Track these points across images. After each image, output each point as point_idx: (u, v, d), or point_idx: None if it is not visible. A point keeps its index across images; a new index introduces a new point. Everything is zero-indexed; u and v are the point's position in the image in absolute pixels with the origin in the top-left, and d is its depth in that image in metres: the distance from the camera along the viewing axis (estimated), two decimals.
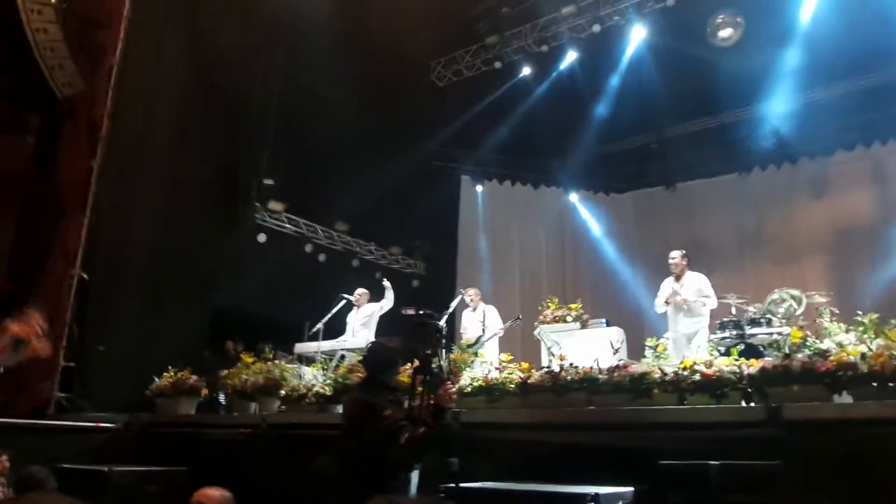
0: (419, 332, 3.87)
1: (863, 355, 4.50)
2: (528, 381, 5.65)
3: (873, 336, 4.71)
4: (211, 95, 9.64)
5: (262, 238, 10.34)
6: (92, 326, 7.94)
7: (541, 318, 8.42)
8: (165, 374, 7.68)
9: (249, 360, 7.59)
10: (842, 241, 11.38)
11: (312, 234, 11.35)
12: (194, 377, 7.67)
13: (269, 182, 10.40)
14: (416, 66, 12.53)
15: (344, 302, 8.52)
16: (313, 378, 7.22)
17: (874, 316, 4.88)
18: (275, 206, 10.61)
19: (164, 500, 5.60)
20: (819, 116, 11.19)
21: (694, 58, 10.66)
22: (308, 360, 8.09)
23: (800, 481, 3.73)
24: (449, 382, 3.79)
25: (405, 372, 4.24)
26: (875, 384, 4.38)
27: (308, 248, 11.22)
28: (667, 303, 7.98)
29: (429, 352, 3.75)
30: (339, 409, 6.78)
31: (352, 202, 11.04)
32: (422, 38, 11.39)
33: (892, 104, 10.82)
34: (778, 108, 11.23)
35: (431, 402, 3.57)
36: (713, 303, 7.89)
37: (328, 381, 6.92)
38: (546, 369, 5.85)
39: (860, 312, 5.04)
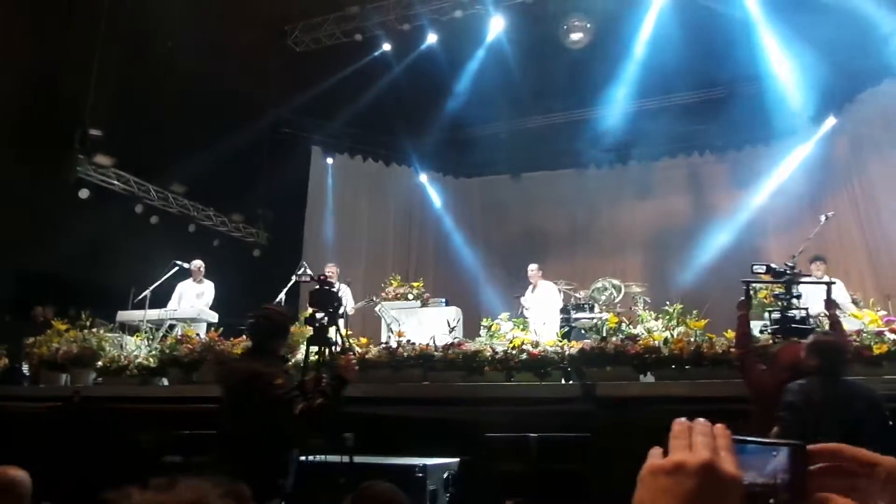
0: (317, 298, 3.51)
1: (665, 340, 5.05)
2: (367, 357, 5.68)
3: (676, 324, 5.31)
4: (31, 24, 8.51)
5: (84, 194, 9.32)
6: None
7: (383, 294, 8.48)
8: None
9: (62, 327, 6.91)
10: (659, 239, 12.63)
11: (144, 193, 10.47)
12: None
13: (95, 132, 9.37)
14: (273, 26, 11.95)
15: (176, 269, 7.96)
16: (136, 349, 6.74)
17: (678, 306, 5.49)
18: (102, 159, 9.59)
19: None
20: (649, 124, 12.26)
21: (546, 55, 11.21)
22: (132, 329, 7.51)
23: (607, 451, 4.12)
24: (350, 353, 3.51)
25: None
26: (674, 367, 4.94)
27: (138, 208, 10.32)
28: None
29: (325, 321, 3.43)
30: (165, 382, 6.41)
31: (191, 163, 10.29)
32: None
33: (711, 120, 12.17)
34: (615, 112, 12.13)
35: (323, 374, 3.28)
36: (556, 304, 8.45)
37: (153, 353, 6.50)
38: (384, 345, 5.92)
39: (668, 303, 5.64)
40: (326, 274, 8.23)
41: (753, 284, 4.72)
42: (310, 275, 3.83)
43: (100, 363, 6.56)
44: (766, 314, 5.56)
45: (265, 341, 3.48)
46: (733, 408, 4.14)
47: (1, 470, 2.56)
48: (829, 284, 4.44)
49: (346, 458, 3.56)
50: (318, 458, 3.41)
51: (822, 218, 6.32)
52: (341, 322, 3.62)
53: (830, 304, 4.40)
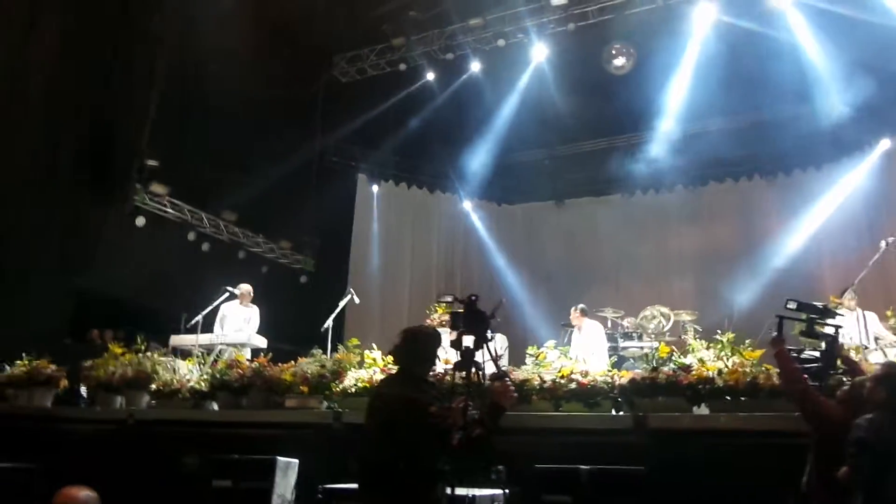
0: (464, 321, 3.21)
1: (720, 371, 4.91)
2: None
3: (729, 354, 5.16)
4: (89, 60, 8.95)
5: (140, 222, 9.69)
6: None
7: (428, 321, 8.50)
8: (19, 362, 7.04)
9: (118, 350, 7.11)
10: (707, 266, 12.32)
11: (197, 221, 10.79)
12: (53, 367, 7.09)
13: (152, 163, 9.76)
14: (320, 58, 12.30)
15: (227, 295, 8.16)
16: (189, 372, 6.88)
17: (731, 335, 5.34)
18: (157, 188, 9.97)
19: (4, 500, 5.12)
20: (697, 149, 12.08)
21: (589, 82, 11.23)
22: (184, 353, 7.69)
23: (663, 486, 4.01)
24: (507, 380, 3.22)
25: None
26: (729, 398, 4.80)
27: (191, 235, 10.64)
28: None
29: (472, 346, 3.12)
30: (215, 406, 6.52)
31: (241, 191, 10.59)
32: (327, 30, 11.20)
33: (760, 144, 11.93)
34: (661, 137, 12.01)
35: (470, 403, 3.00)
36: (604, 345, 8.16)
37: (205, 377, 6.63)
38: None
39: (719, 332, 5.48)
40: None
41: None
42: (454, 296, 3.59)
43: (153, 386, 6.72)
44: None
45: (412, 366, 3.25)
46: (788, 442, 4.00)
47: (72, 489, 2.64)
48: (836, 328, 4.21)
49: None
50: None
51: (883, 244, 6.12)
52: (491, 346, 3.28)
53: (839, 348, 4.21)
